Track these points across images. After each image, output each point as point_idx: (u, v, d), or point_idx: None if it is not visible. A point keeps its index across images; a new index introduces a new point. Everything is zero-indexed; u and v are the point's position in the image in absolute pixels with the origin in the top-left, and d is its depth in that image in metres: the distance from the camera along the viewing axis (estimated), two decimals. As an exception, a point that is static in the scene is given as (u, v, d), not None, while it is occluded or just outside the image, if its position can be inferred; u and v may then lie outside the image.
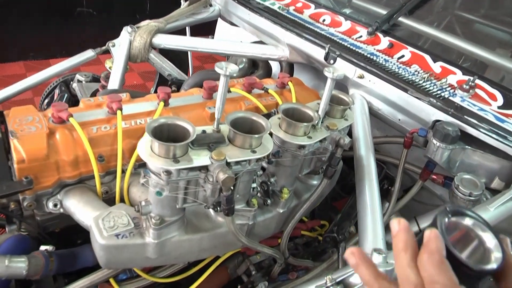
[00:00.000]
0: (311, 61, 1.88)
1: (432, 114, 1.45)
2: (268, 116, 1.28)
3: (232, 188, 0.95)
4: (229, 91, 1.48)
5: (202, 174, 0.93)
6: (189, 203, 1.01)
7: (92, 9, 4.55)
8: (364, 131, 1.46)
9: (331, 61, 1.68)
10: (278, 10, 2.10)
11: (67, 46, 4.32)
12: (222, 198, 0.95)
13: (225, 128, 1.02)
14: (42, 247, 1.12)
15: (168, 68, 2.13)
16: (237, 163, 0.98)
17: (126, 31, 1.97)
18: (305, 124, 1.10)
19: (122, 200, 1.22)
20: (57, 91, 2.36)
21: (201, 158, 0.93)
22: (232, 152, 0.97)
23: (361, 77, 1.66)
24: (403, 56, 1.73)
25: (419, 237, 0.56)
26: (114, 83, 1.96)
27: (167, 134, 0.95)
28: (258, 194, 1.19)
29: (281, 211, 1.23)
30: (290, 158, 1.15)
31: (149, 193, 0.99)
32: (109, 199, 1.23)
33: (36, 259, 1.06)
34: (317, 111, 1.17)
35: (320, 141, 1.18)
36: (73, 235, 1.31)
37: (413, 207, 1.59)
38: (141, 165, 1.28)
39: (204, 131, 1.01)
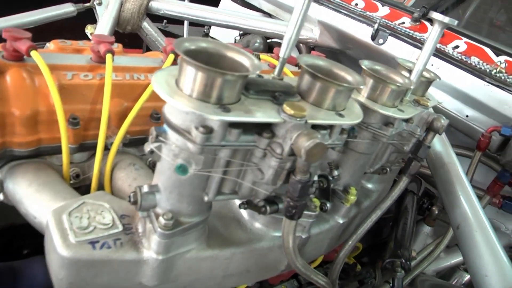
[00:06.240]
0: (347, 46, 1.54)
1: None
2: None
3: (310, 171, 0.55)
4: None
5: (263, 140, 0.52)
6: (226, 194, 0.59)
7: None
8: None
9: (380, 40, 1.35)
10: None
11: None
12: (293, 186, 0.54)
13: (288, 79, 0.63)
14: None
15: (163, 42, 1.71)
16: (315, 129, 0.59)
17: None
18: (398, 84, 0.73)
19: (101, 189, 0.78)
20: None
21: (264, 111, 0.53)
22: (310, 112, 0.58)
23: None
24: (457, 46, 1.43)
25: None
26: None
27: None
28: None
29: (341, 221, 0.83)
30: (369, 140, 0.77)
31: (158, 171, 0.56)
32: (79, 188, 0.79)
33: None
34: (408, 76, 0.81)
35: (406, 120, 0.82)
36: (16, 241, 0.84)
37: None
38: (133, 141, 0.86)
39: (259, 76, 0.61)
